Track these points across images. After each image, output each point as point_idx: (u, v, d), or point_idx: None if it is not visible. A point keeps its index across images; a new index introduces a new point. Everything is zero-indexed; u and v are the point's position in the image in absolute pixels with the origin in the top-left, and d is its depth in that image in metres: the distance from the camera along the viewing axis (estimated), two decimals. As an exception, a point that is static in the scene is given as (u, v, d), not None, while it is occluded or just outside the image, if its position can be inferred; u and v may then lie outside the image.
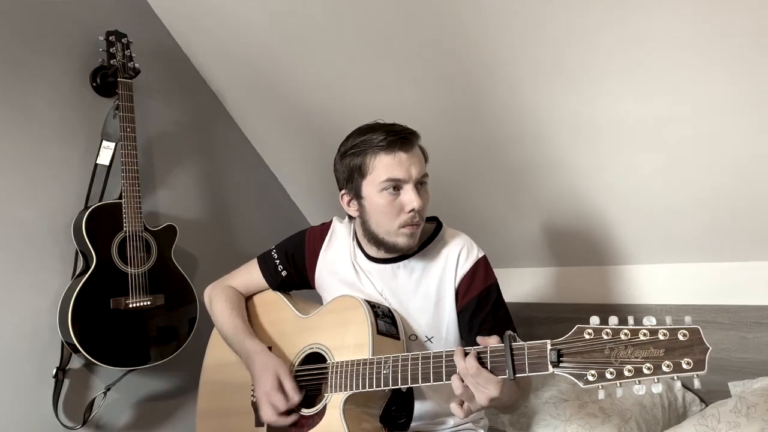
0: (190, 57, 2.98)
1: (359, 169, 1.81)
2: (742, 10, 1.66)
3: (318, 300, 2.10)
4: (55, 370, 2.43)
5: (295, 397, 1.81)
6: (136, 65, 2.56)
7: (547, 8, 1.92)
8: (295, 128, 3.02)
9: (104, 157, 2.54)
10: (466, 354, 1.52)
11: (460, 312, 1.88)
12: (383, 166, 1.77)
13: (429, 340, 1.90)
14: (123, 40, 2.56)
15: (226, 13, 2.59)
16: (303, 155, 3.14)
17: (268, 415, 1.82)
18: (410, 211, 1.78)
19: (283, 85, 2.81)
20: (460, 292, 1.88)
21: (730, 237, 2.25)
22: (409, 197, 1.77)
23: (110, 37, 2.53)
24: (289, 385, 1.82)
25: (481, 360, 1.50)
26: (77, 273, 2.48)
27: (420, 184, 1.81)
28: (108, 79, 2.59)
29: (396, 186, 1.77)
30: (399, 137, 1.76)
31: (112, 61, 2.51)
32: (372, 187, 1.80)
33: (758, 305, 2.22)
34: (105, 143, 2.54)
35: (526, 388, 1.88)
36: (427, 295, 1.90)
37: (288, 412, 1.82)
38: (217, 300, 2.13)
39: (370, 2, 2.23)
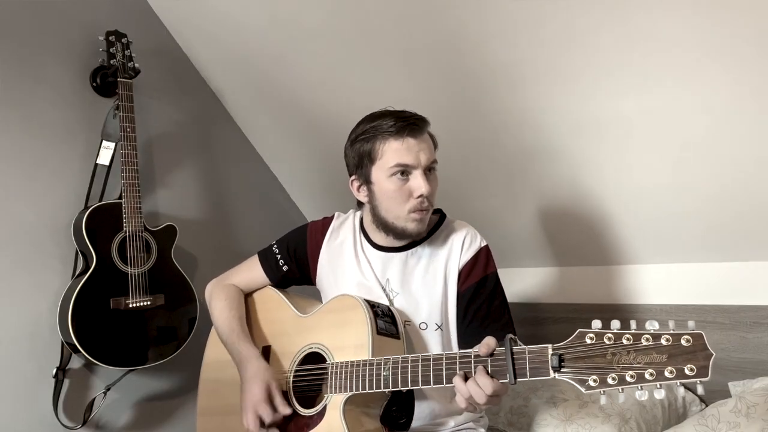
0: (190, 57, 2.98)
1: (369, 155, 1.83)
2: (742, 9, 1.66)
3: (317, 297, 2.10)
4: (55, 370, 2.43)
5: (285, 410, 1.80)
6: (136, 65, 2.56)
7: (547, 8, 1.92)
8: (295, 128, 3.02)
9: (104, 157, 2.54)
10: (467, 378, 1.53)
11: (459, 297, 1.90)
12: (392, 151, 1.79)
13: (439, 327, 1.90)
14: (123, 40, 2.56)
15: (226, 13, 2.59)
16: (303, 155, 3.14)
17: (251, 424, 1.79)
18: (419, 197, 1.80)
19: (283, 85, 2.81)
20: (461, 278, 1.90)
21: (731, 237, 2.25)
22: (418, 183, 1.79)
23: (110, 37, 2.53)
24: (279, 399, 1.81)
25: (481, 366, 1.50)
26: (77, 273, 2.48)
27: (429, 170, 1.83)
28: (108, 79, 2.59)
29: (405, 171, 1.79)
30: (408, 123, 1.79)
31: (112, 61, 2.51)
32: (381, 172, 1.82)
33: (758, 305, 2.22)
34: (105, 143, 2.54)
35: None
36: (435, 281, 1.91)
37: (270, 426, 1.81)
38: (216, 298, 2.12)
39: (369, 2, 2.23)
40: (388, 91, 2.50)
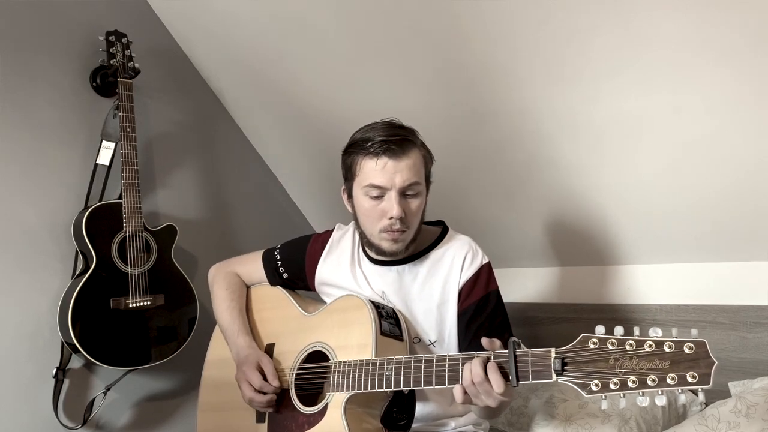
0: (190, 57, 2.98)
1: (350, 169, 1.86)
2: (743, 9, 1.66)
3: (322, 298, 2.12)
4: (55, 370, 2.43)
5: (274, 381, 1.87)
6: (136, 65, 2.55)
7: (547, 8, 1.92)
8: (295, 128, 3.02)
9: (104, 157, 2.53)
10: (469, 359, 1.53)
11: (459, 315, 1.89)
12: (368, 170, 1.79)
13: (432, 343, 1.91)
14: (123, 40, 2.55)
15: (226, 13, 2.58)
16: (303, 155, 3.14)
17: (247, 391, 1.89)
18: (390, 219, 1.79)
19: (284, 85, 2.81)
20: (462, 296, 1.89)
21: (731, 237, 2.25)
22: (390, 205, 1.78)
23: (110, 37, 2.52)
24: (269, 369, 1.89)
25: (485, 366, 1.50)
26: (77, 273, 2.48)
27: (406, 193, 1.81)
28: (108, 79, 2.58)
29: (379, 192, 1.79)
30: (388, 143, 1.77)
31: (112, 61, 2.50)
32: (358, 189, 1.84)
33: (758, 305, 2.22)
34: (105, 143, 2.53)
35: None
36: (432, 297, 1.91)
37: (265, 394, 1.88)
38: (218, 286, 2.18)
39: (370, 4, 2.22)
40: (388, 94, 2.51)
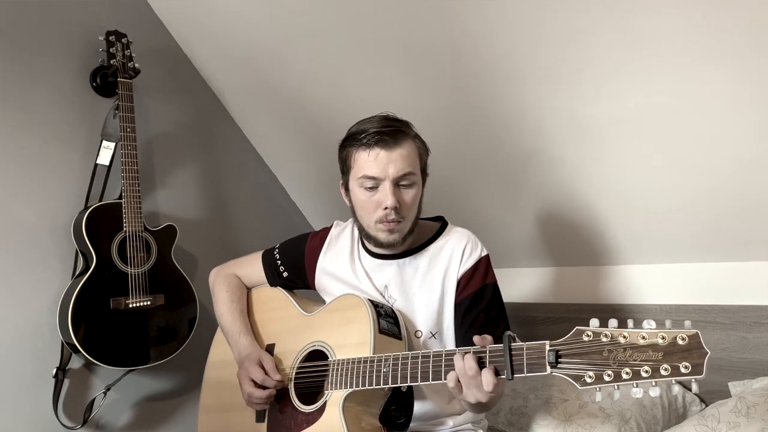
0: (190, 57, 2.99)
1: (346, 163, 1.87)
2: (743, 9, 1.66)
3: (321, 298, 2.12)
4: (55, 370, 2.43)
5: (275, 375, 1.88)
6: (136, 65, 2.56)
7: (547, 7, 1.92)
8: (295, 128, 3.02)
9: (104, 157, 2.54)
10: (465, 353, 1.53)
11: (456, 306, 1.90)
12: (362, 162, 1.81)
13: (433, 335, 1.91)
14: (123, 40, 2.56)
15: (226, 12, 2.59)
16: (303, 155, 3.14)
17: (246, 386, 1.89)
18: (385, 209, 1.80)
19: (283, 85, 2.81)
20: (460, 287, 1.90)
21: (731, 237, 2.24)
22: (384, 195, 1.79)
23: (110, 37, 2.53)
24: (270, 365, 1.90)
25: (480, 360, 1.50)
26: (77, 273, 2.48)
27: (400, 183, 1.82)
28: (108, 79, 2.59)
29: (373, 183, 1.80)
30: (381, 135, 1.79)
31: (112, 61, 2.51)
32: (354, 181, 1.85)
33: (758, 305, 2.22)
34: (105, 143, 2.54)
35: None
36: (432, 290, 1.91)
37: (265, 389, 1.88)
38: (218, 288, 2.19)
39: (370, 3, 2.23)
40: (387, 91, 2.51)
